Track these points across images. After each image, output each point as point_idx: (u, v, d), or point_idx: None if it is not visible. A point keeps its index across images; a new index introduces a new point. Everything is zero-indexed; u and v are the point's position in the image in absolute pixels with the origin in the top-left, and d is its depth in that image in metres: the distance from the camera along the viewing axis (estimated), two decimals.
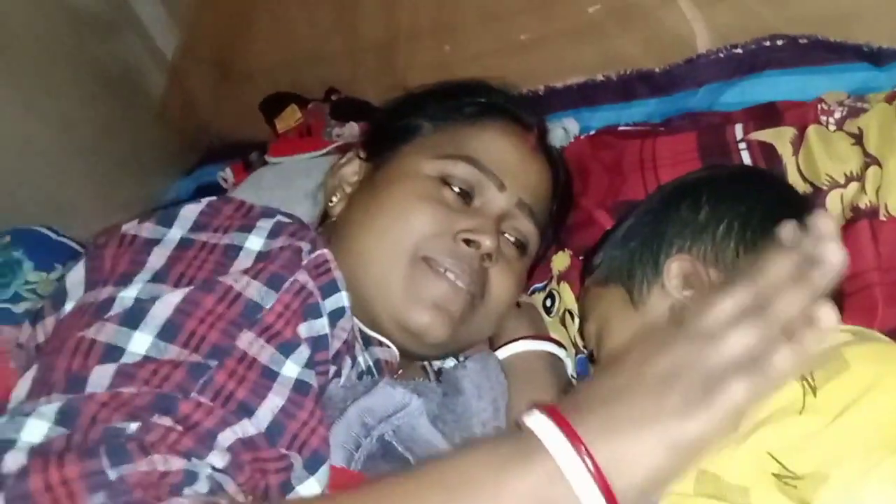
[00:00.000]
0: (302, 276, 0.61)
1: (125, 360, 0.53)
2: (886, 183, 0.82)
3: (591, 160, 1.07)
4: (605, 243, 0.81)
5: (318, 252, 0.65)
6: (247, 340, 0.56)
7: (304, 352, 0.59)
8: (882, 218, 0.81)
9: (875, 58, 1.01)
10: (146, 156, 1.65)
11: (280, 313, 0.59)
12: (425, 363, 0.89)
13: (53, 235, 1.35)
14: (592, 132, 1.14)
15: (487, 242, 0.75)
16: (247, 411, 0.54)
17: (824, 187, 0.87)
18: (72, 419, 0.48)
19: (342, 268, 0.74)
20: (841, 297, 0.75)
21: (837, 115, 0.93)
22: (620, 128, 1.13)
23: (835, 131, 0.91)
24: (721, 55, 1.14)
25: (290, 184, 1.27)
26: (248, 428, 0.53)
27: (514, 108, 0.88)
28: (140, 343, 0.54)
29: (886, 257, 0.79)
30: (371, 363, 0.74)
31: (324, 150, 1.35)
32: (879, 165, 0.84)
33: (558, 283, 0.97)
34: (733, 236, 0.71)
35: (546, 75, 1.28)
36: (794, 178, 0.90)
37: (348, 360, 0.69)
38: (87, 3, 1.53)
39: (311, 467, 0.57)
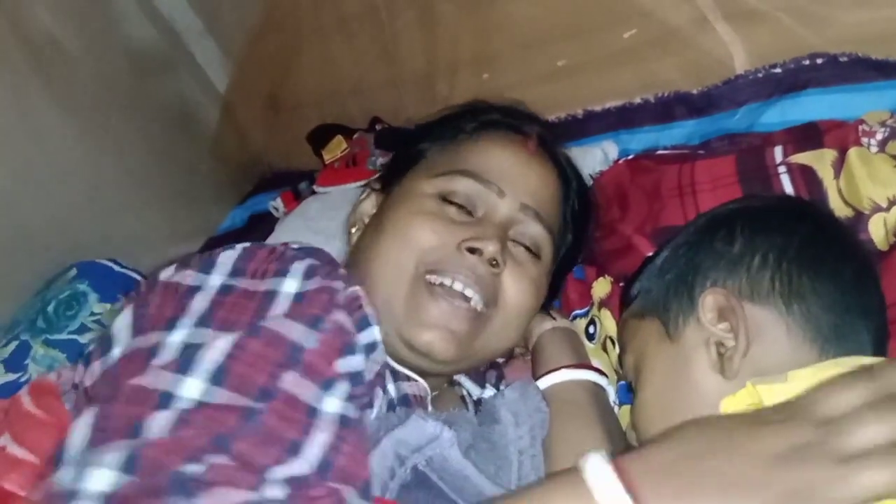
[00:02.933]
0: (339, 316, 0.64)
1: (180, 405, 0.55)
2: None
3: (630, 185, 1.07)
4: (642, 274, 0.81)
5: (350, 290, 0.67)
6: (291, 381, 0.58)
7: (343, 386, 0.61)
8: None
9: None
10: (201, 187, 1.72)
11: (321, 353, 0.61)
12: (464, 393, 0.91)
13: (116, 267, 1.41)
14: (631, 156, 1.14)
15: (490, 248, 0.76)
16: (295, 449, 0.56)
17: (866, 211, 0.86)
18: (138, 466, 0.50)
19: None
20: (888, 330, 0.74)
21: (879, 136, 0.92)
22: (659, 151, 1.14)
23: (877, 153, 0.90)
24: (760, 75, 1.14)
25: (335, 214, 1.31)
26: (301, 466, 0.55)
27: (511, 120, 0.90)
28: (193, 388, 0.56)
29: None
30: (399, 395, 0.76)
31: (368, 180, 1.38)
32: None
33: (599, 310, 0.98)
34: (768, 268, 0.71)
35: (584, 100, 1.30)
36: (835, 202, 0.90)
37: (379, 392, 0.72)
38: (143, 40, 1.60)
39: (366, 495, 0.58)
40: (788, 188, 0.94)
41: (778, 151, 0.98)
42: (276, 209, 1.55)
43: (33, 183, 1.32)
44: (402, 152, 0.95)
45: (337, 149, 1.50)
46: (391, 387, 0.76)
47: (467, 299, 0.77)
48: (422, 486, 0.67)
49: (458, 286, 0.77)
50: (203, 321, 0.61)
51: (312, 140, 1.54)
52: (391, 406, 0.75)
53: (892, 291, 0.77)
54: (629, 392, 0.81)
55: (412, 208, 0.81)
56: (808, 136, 0.99)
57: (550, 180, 0.88)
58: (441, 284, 0.77)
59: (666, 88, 1.21)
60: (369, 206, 0.92)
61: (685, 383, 0.71)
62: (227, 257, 0.66)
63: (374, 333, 0.68)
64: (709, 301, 0.71)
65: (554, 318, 0.93)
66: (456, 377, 0.92)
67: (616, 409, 0.89)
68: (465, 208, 0.81)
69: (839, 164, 0.92)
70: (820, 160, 0.93)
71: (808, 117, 1.04)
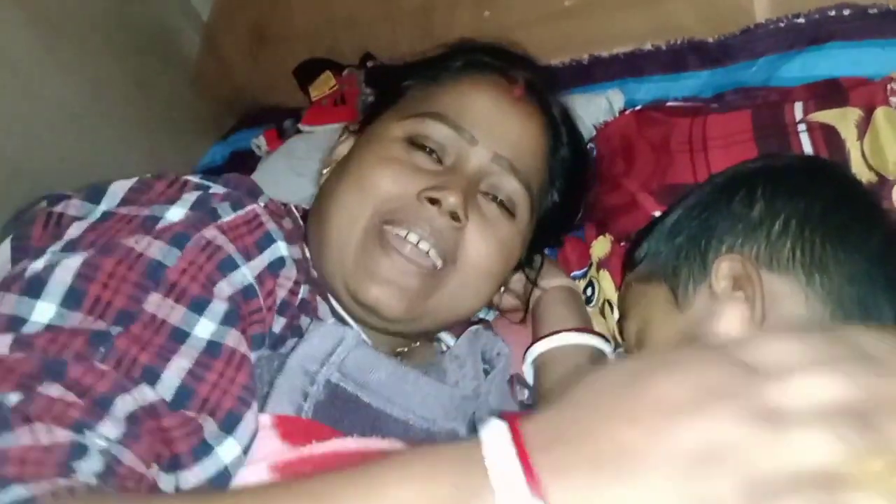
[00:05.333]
0: (210, 232, 0.59)
1: (25, 329, 0.51)
2: None
3: (637, 138, 1.01)
4: (649, 235, 0.75)
5: (247, 208, 0.63)
6: (154, 302, 0.55)
7: (218, 308, 0.57)
8: None
9: None
10: (181, 120, 1.64)
11: (184, 270, 0.57)
12: (443, 348, 0.86)
13: None
14: (639, 107, 1.07)
15: (451, 199, 0.70)
16: (151, 376, 0.52)
17: (891, 177, 0.80)
18: None
19: (313, 239, 0.74)
20: None
21: None
22: (669, 103, 1.07)
23: None
24: (781, 25, 1.06)
25: (321, 155, 1.24)
26: (146, 394, 0.52)
27: (499, 62, 0.82)
28: (43, 312, 0.52)
29: None
30: None
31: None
32: None
33: (598, 271, 0.92)
34: (790, 235, 0.65)
35: (591, 44, 1.22)
36: (857, 166, 0.83)
37: (306, 319, 0.67)
38: None
39: (228, 427, 0.55)
40: (808, 148, 0.88)
41: (798, 108, 0.92)
42: (259, 147, 1.47)
43: (6, 113, 1.24)
44: (382, 91, 0.88)
45: (325, 86, 1.41)
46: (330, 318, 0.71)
47: (422, 253, 0.72)
48: (339, 401, 0.63)
49: (412, 237, 0.71)
50: (69, 246, 0.56)
51: (299, 75, 1.46)
52: None
53: None
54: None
55: (377, 152, 0.75)
56: (831, 93, 0.93)
57: (535, 131, 0.80)
58: (396, 235, 0.72)
59: (679, 35, 1.13)
60: (344, 148, 0.86)
61: None
62: (119, 186, 0.62)
63: (279, 249, 0.63)
64: (724, 267, 0.65)
65: (561, 274, 0.88)
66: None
67: None
68: (434, 155, 0.75)
69: (864, 125, 0.85)
70: (843, 119, 0.87)
71: (830, 73, 0.98)
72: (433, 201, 0.71)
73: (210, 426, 0.54)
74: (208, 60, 1.65)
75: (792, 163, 0.77)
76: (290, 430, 0.58)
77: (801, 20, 1.04)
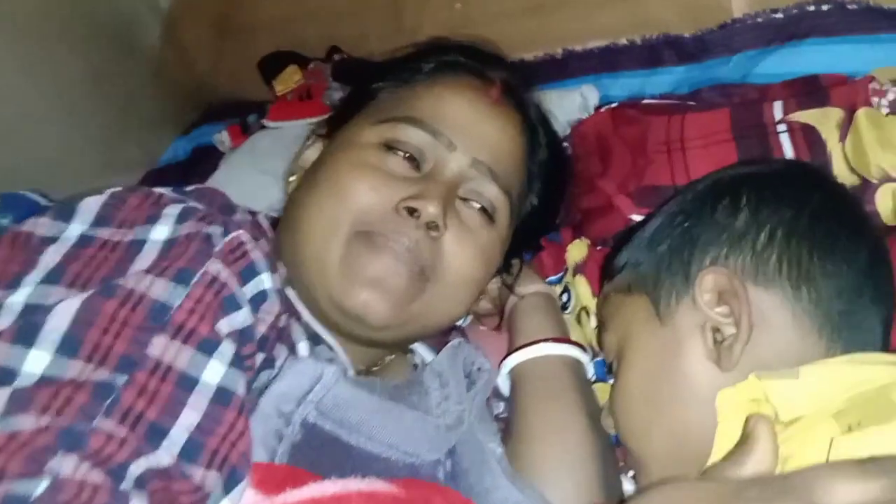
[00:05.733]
0: (214, 266, 0.56)
1: (20, 382, 0.47)
2: None
3: (613, 137, 0.98)
4: (629, 242, 0.72)
5: (231, 235, 0.59)
6: (160, 346, 0.51)
7: (227, 349, 0.54)
8: None
9: None
10: (141, 113, 1.57)
11: (192, 310, 0.53)
12: (418, 361, 0.83)
13: (43, 201, 1.28)
14: (615, 104, 1.04)
15: (430, 209, 0.67)
16: (159, 433, 0.49)
17: (874, 180, 0.78)
18: None
19: (286, 252, 0.70)
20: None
21: (891, 95, 0.83)
22: (645, 100, 1.04)
23: (888, 115, 0.81)
24: (759, 20, 1.04)
25: (286, 153, 1.19)
26: (162, 458, 0.48)
27: (474, 62, 0.79)
28: (37, 362, 0.48)
29: None
30: (326, 360, 0.67)
31: (324, 116, 1.26)
32: None
33: (573, 276, 0.89)
34: (776, 246, 0.62)
35: (565, 37, 1.19)
36: (839, 168, 0.81)
37: (283, 349, 0.64)
38: None
39: (228, 487, 0.52)
40: (788, 149, 0.86)
41: (777, 107, 0.90)
42: (222, 143, 1.42)
43: None
44: (353, 93, 0.85)
45: (290, 80, 1.36)
46: (303, 347, 0.67)
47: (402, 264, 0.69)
48: (316, 441, 0.60)
49: (391, 249, 0.68)
50: (51, 277, 0.52)
51: (263, 68, 1.40)
52: None
53: None
54: (609, 373, 0.73)
55: (351, 159, 0.72)
56: (811, 91, 0.91)
57: (513, 134, 0.78)
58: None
59: (655, 29, 1.10)
60: (313, 153, 0.82)
61: (674, 372, 0.63)
62: (90, 203, 0.57)
63: (262, 282, 0.60)
64: (708, 281, 0.62)
65: (538, 280, 0.86)
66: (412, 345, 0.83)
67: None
68: (410, 161, 0.72)
69: (846, 126, 0.83)
70: (824, 120, 0.85)
71: (808, 69, 0.96)
72: (411, 211, 0.68)
73: (217, 485, 0.51)
74: (169, 52, 1.58)
75: (777, 169, 0.74)
76: (264, 477, 0.55)
77: (780, 15, 1.02)
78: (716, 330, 0.62)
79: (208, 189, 0.68)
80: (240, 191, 1.21)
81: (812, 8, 1.00)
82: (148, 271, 0.54)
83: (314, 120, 1.26)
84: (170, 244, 0.56)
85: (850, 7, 0.97)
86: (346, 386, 0.61)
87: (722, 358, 0.60)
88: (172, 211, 0.58)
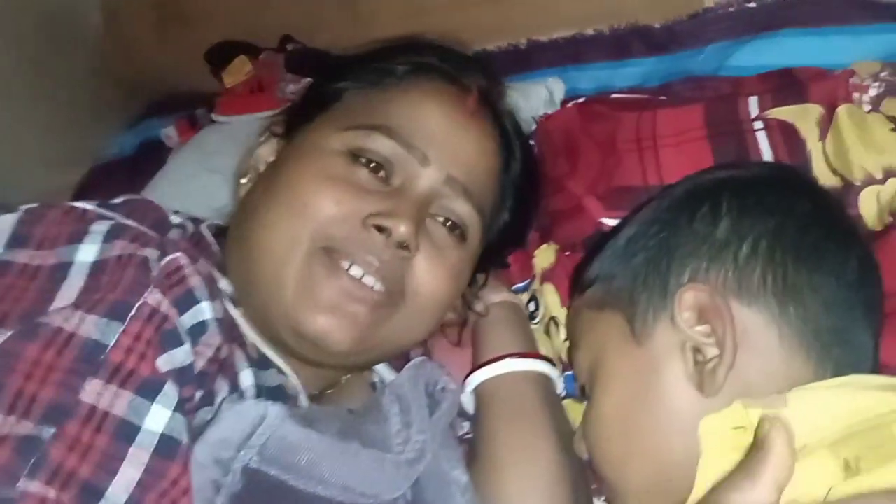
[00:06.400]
0: (153, 297, 0.51)
1: None
2: None
3: (581, 134, 0.92)
4: (602, 253, 0.67)
5: (169, 258, 0.54)
6: (94, 391, 0.46)
7: (171, 391, 0.49)
8: None
9: None
10: (85, 107, 1.50)
11: (129, 348, 0.48)
12: (376, 380, 0.77)
13: None
14: (582, 99, 0.99)
15: (402, 229, 0.62)
16: (94, 495, 0.44)
17: (857, 182, 0.74)
18: None
19: (236, 265, 0.65)
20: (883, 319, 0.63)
21: (873, 91, 0.79)
22: (614, 95, 0.99)
23: (870, 112, 0.77)
24: (732, 10, 1.00)
25: (237, 150, 1.11)
26: None
27: (449, 68, 0.74)
28: None
29: None
30: (261, 388, 0.62)
31: (277, 111, 1.19)
32: None
33: (541, 284, 0.84)
34: (760, 258, 0.58)
35: (529, 27, 1.14)
36: (819, 169, 0.77)
37: (224, 383, 0.58)
38: None
39: None
40: (765, 148, 0.81)
41: (753, 103, 0.85)
42: (169, 138, 1.34)
43: None
44: (314, 91, 0.78)
45: (240, 71, 1.29)
46: (247, 376, 0.61)
47: (367, 287, 0.64)
48: (260, 490, 0.54)
49: (356, 271, 0.63)
50: None
51: (211, 60, 1.33)
52: None
53: (888, 279, 0.65)
54: (582, 395, 0.68)
55: (315, 167, 0.66)
56: (788, 85, 0.86)
57: (489, 148, 0.72)
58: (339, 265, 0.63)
59: (623, 19, 1.05)
60: (267, 152, 0.75)
61: (653, 398, 0.58)
62: (3, 222, 0.52)
63: (201, 312, 0.54)
64: (688, 298, 0.57)
65: (503, 288, 0.81)
66: None
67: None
68: (379, 173, 0.66)
69: (826, 123, 0.79)
70: (803, 117, 0.80)
71: (783, 62, 0.91)
72: (381, 229, 0.63)
73: None
74: (111, 42, 1.50)
75: (759, 173, 0.69)
76: None
77: (753, 4, 0.98)
78: (697, 351, 0.57)
79: (140, 201, 0.62)
80: (187, 191, 1.16)
81: None
82: (77, 306, 0.48)
83: (267, 114, 1.19)
84: (99, 268, 0.50)
85: None
86: (293, 426, 0.55)
87: (704, 382, 0.56)
88: (99, 228, 0.53)
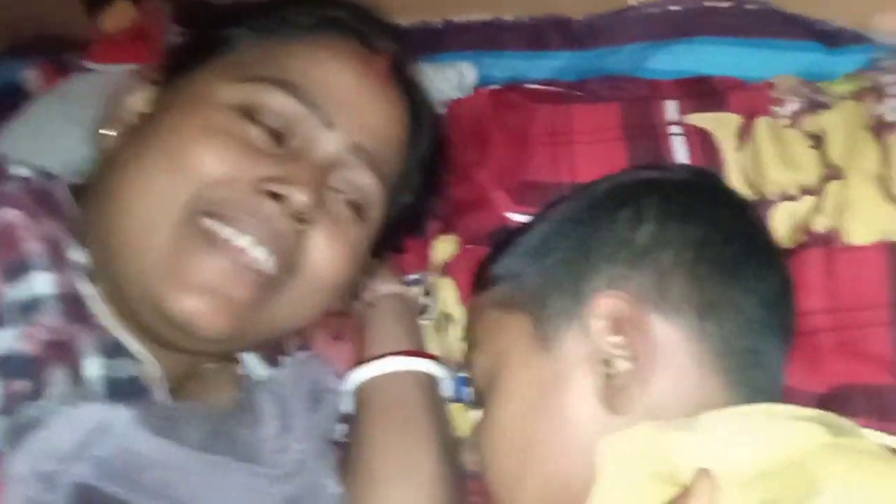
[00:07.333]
0: None
1: None
2: (849, 203, 0.66)
3: (493, 123, 0.87)
4: (511, 249, 0.61)
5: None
6: None
7: None
8: (839, 247, 0.66)
9: (829, 39, 0.86)
10: None
11: None
12: (246, 373, 0.69)
13: None
14: (496, 86, 0.93)
15: (299, 196, 0.56)
16: None
17: (772, 198, 0.71)
18: None
19: (95, 231, 0.56)
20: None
21: (791, 106, 0.77)
22: (529, 85, 0.94)
23: (788, 126, 0.75)
24: (655, 10, 0.96)
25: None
26: None
27: (362, 25, 0.67)
28: None
29: (840, 297, 0.64)
30: (113, 379, 0.53)
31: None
32: (842, 180, 0.69)
33: (439, 277, 0.78)
34: (683, 269, 0.53)
35: (446, 6, 1.07)
36: (734, 181, 0.74)
37: (59, 373, 0.49)
38: None
39: None
40: (682, 154, 0.78)
41: (671, 107, 0.82)
42: (31, 82, 1.19)
43: None
44: (203, 35, 0.69)
45: (122, 17, 1.16)
46: (92, 365, 0.52)
47: (254, 260, 0.56)
48: None
49: (242, 241, 0.55)
50: None
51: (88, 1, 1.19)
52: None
53: (799, 297, 0.63)
54: (478, 402, 0.62)
55: (199, 120, 0.57)
56: (706, 93, 0.84)
57: (398, 118, 0.67)
58: (220, 235, 0.55)
59: (544, 8, 1.00)
60: (139, 101, 0.65)
61: (556, 410, 0.53)
62: None
63: (35, 284, 0.47)
64: (603, 305, 0.52)
65: (392, 279, 0.75)
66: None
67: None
68: (274, 133, 0.59)
69: (744, 134, 0.76)
70: (723, 125, 0.78)
71: (699, 69, 0.89)
72: (275, 196, 0.55)
73: None
74: None
75: (685, 178, 0.66)
76: None
77: (678, 7, 0.94)
78: (607, 363, 0.52)
79: None
80: (44, 143, 1.02)
81: (709, 3, 0.93)
82: None
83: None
84: None
85: (748, 7, 0.91)
86: (145, 434, 0.46)
87: (613, 398, 0.51)
88: None
